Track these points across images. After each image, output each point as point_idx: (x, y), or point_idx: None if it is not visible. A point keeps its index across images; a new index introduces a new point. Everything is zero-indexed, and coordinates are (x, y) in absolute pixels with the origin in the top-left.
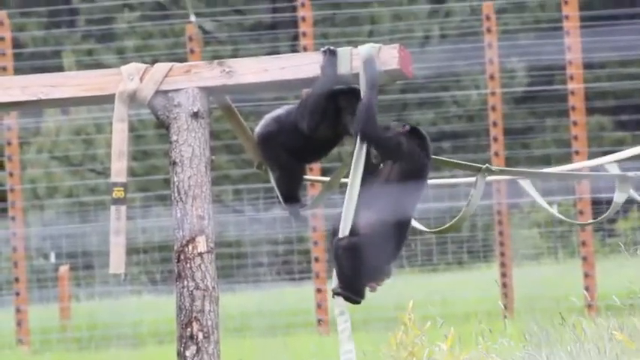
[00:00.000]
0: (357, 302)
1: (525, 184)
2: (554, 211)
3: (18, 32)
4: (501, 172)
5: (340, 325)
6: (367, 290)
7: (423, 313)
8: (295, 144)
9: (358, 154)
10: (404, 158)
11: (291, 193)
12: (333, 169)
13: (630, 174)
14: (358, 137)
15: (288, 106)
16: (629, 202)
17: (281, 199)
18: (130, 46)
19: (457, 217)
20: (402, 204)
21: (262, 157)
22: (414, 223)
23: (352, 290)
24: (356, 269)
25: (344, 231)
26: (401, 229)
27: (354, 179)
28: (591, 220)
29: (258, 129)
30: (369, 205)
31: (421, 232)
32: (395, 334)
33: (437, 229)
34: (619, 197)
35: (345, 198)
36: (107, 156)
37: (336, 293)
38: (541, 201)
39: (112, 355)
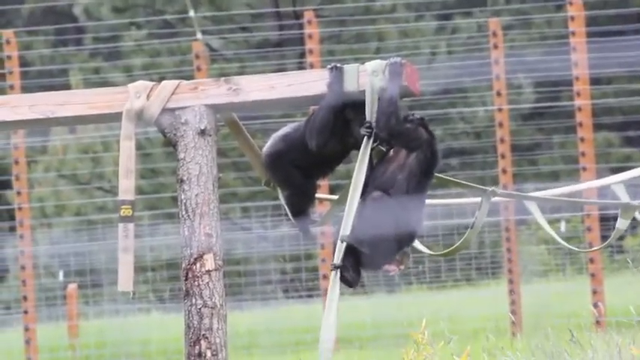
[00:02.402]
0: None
1: (530, 205)
2: (555, 235)
3: (25, 51)
4: (506, 195)
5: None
6: (389, 271)
7: (431, 330)
8: (305, 161)
9: (363, 154)
10: (422, 148)
11: (302, 210)
12: (341, 186)
13: (635, 202)
14: (381, 133)
15: (295, 123)
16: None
17: (291, 216)
18: (137, 64)
19: (461, 240)
20: (420, 186)
21: (272, 177)
22: (418, 245)
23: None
24: (384, 225)
25: (346, 227)
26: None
27: (358, 177)
28: (594, 247)
29: (266, 149)
30: (388, 182)
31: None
32: (407, 350)
33: (441, 252)
34: (621, 224)
35: (349, 194)
36: (115, 174)
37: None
38: (544, 223)
39: None
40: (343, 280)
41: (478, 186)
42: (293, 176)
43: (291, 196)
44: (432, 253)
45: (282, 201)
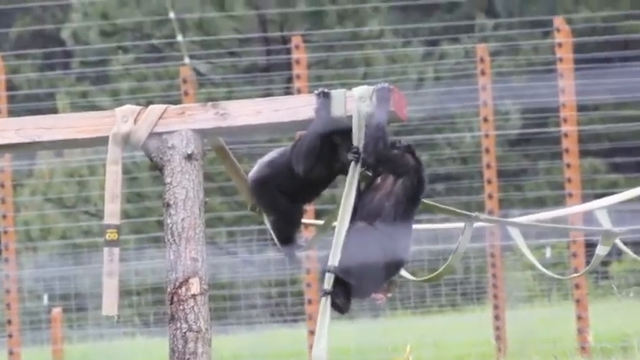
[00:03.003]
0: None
1: (513, 231)
2: (535, 260)
3: (12, 74)
4: (489, 221)
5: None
6: (377, 301)
7: (416, 356)
8: (290, 186)
9: (351, 179)
10: (409, 174)
11: (288, 236)
12: (327, 210)
13: (615, 229)
14: (369, 158)
15: (281, 148)
16: (623, 243)
17: (277, 241)
18: (124, 88)
19: (445, 265)
20: (407, 213)
21: (258, 202)
22: (401, 271)
23: (370, 285)
24: (370, 256)
25: (334, 256)
26: (407, 239)
27: (346, 203)
28: (574, 274)
29: (252, 174)
30: (375, 210)
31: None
32: None
33: (424, 278)
34: (601, 250)
35: (337, 222)
36: (101, 198)
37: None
38: (526, 250)
39: None
40: (334, 306)
41: (462, 211)
42: (279, 201)
43: (277, 221)
44: (415, 279)
45: (267, 226)
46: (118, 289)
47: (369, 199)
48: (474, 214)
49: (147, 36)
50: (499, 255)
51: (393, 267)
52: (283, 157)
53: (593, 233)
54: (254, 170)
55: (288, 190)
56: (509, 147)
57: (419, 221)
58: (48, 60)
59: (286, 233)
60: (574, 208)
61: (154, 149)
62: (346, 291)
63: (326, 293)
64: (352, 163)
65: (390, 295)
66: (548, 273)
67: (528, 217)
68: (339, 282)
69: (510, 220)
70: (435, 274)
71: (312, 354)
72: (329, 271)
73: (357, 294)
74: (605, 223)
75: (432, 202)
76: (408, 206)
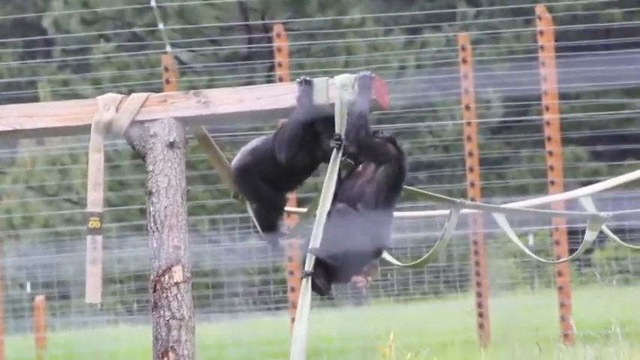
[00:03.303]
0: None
1: (499, 217)
2: (524, 247)
3: None
4: (475, 207)
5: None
6: (358, 284)
7: (399, 343)
8: (273, 174)
9: (332, 166)
10: (390, 162)
11: (271, 223)
12: (309, 199)
13: (602, 214)
14: (351, 145)
15: (263, 136)
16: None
17: (259, 229)
18: (106, 77)
19: (430, 251)
20: (389, 200)
21: (241, 190)
22: (387, 257)
23: (347, 270)
24: (349, 238)
25: (315, 239)
26: (387, 225)
27: (327, 189)
28: (562, 259)
29: (235, 162)
30: (356, 195)
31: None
32: None
33: (410, 264)
34: (589, 236)
35: (318, 207)
36: (83, 186)
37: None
38: (513, 236)
39: None
40: (314, 287)
41: (447, 197)
42: (261, 189)
43: (260, 208)
44: (400, 264)
45: (250, 214)
46: (101, 276)
47: (350, 185)
48: (458, 201)
49: (128, 24)
50: (482, 242)
51: (372, 251)
52: (266, 145)
53: (577, 221)
54: (237, 158)
55: (270, 178)
56: (491, 135)
57: (403, 209)
58: (29, 48)
59: (269, 221)
60: (559, 196)
61: (136, 137)
62: (327, 273)
63: (306, 274)
64: (334, 151)
65: (370, 278)
66: (536, 257)
67: (513, 204)
68: (319, 264)
69: (495, 205)
70: (421, 260)
71: (293, 338)
72: (309, 253)
73: (337, 277)
74: (591, 209)
75: (418, 190)
76: (389, 193)
